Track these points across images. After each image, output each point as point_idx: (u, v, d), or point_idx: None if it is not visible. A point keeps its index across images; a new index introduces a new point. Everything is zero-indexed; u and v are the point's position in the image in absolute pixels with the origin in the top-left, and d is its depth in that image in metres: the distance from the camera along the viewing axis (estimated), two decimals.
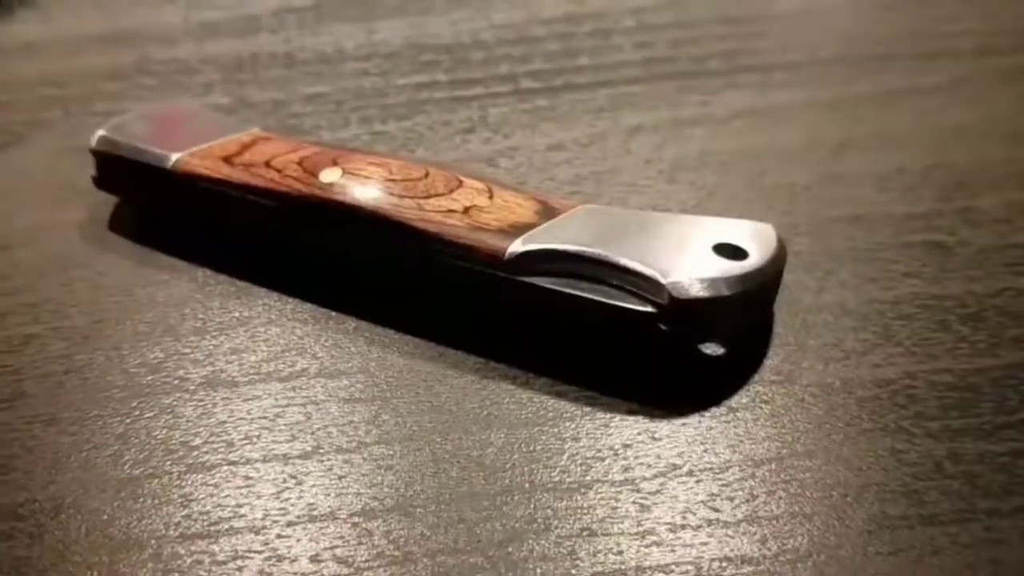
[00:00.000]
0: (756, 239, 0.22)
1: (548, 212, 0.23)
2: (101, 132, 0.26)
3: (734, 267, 0.22)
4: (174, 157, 0.25)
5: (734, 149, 0.29)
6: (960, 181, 0.28)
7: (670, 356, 0.23)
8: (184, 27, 0.35)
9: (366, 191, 0.23)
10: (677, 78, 0.32)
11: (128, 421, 0.22)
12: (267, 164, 0.24)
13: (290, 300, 0.24)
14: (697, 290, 0.21)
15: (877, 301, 0.24)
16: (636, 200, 0.27)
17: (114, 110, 0.31)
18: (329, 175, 0.24)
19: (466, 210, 0.23)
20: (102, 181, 0.26)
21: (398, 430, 0.21)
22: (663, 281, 0.21)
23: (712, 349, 0.23)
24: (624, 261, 0.22)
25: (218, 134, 0.26)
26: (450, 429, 0.21)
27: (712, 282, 0.21)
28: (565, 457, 0.21)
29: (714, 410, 0.22)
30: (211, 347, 0.23)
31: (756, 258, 0.22)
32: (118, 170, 0.26)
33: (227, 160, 0.25)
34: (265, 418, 0.22)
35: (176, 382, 0.23)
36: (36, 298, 0.25)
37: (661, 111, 0.31)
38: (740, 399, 0.22)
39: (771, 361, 0.23)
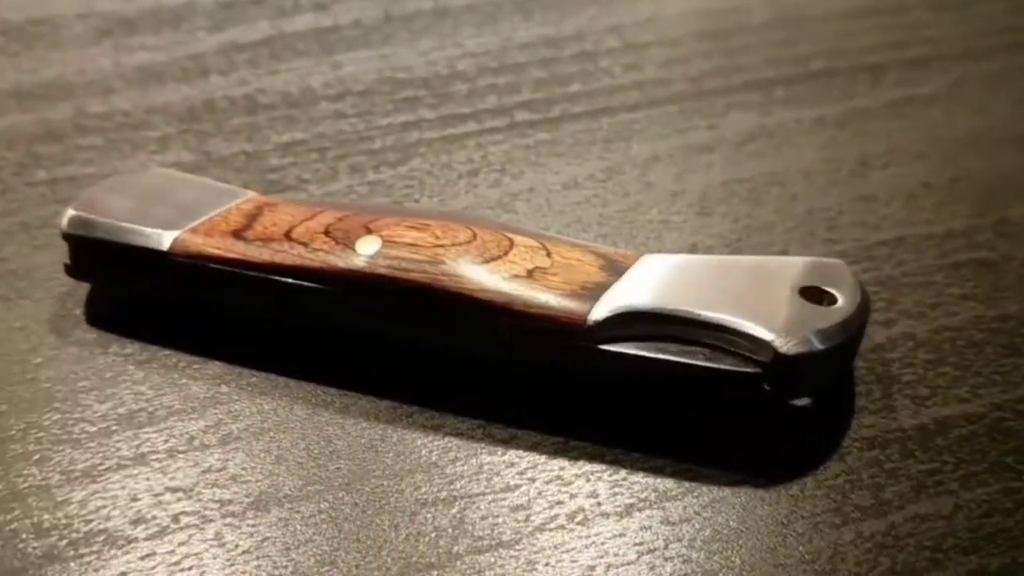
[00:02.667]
0: (835, 279, 0.21)
1: (611, 266, 0.21)
2: (72, 212, 0.22)
3: (831, 314, 0.21)
4: (171, 237, 0.22)
5: (757, 175, 0.28)
6: (987, 192, 0.28)
7: (757, 414, 0.21)
8: (118, 72, 0.31)
9: (416, 262, 0.21)
10: (676, 101, 0.31)
11: None
12: (288, 237, 0.22)
13: (358, 395, 0.22)
14: (803, 345, 0.20)
15: (945, 329, 0.24)
16: (674, 238, 0.26)
17: (58, 178, 0.27)
18: (367, 246, 0.21)
19: (530, 273, 0.21)
20: (77, 268, 0.23)
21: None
22: (768, 339, 0.20)
23: (800, 400, 0.22)
24: (721, 319, 0.20)
25: (211, 203, 0.23)
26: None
27: (817, 334, 0.20)
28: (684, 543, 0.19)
29: (814, 474, 0.20)
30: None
31: (846, 302, 0.21)
32: (98, 255, 0.22)
33: (237, 235, 0.22)
34: None
35: None
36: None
37: (671, 139, 0.30)
38: (840, 457, 0.21)
39: (861, 403, 0.22)
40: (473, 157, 0.29)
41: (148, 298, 0.23)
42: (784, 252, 0.26)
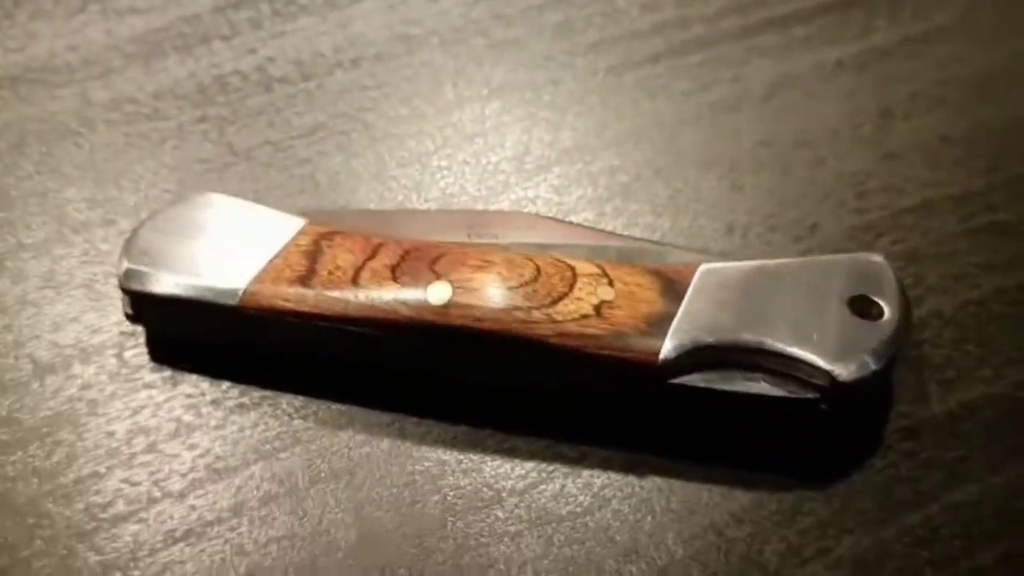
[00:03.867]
0: (880, 285, 0.22)
1: (670, 288, 0.22)
2: (127, 264, 0.22)
3: (881, 329, 0.22)
4: (239, 290, 0.22)
5: (782, 135, 0.28)
6: (1002, 146, 0.29)
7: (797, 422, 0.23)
8: (113, 44, 0.29)
9: (488, 310, 0.21)
10: (698, 49, 0.30)
11: None
12: (355, 282, 0.22)
13: (431, 423, 0.23)
14: (859, 370, 0.21)
15: (969, 303, 0.25)
16: (715, 223, 0.26)
17: (89, 199, 0.26)
18: (438, 293, 0.21)
19: (597, 310, 0.22)
20: (138, 317, 0.23)
21: None
22: (826, 367, 0.21)
23: None
24: (782, 348, 0.21)
25: (267, 238, 0.23)
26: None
27: (871, 354, 0.21)
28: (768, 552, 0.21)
29: (860, 471, 0.22)
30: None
31: (893, 312, 0.22)
32: (161, 308, 0.22)
33: (304, 283, 0.22)
34: None
35: None
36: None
37: (694, 96, 0.29)
38: (883, 451, 0.23)
39: (897, 391, 0.23)
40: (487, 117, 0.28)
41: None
42: (818, 226, 0.27)
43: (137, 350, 0.24)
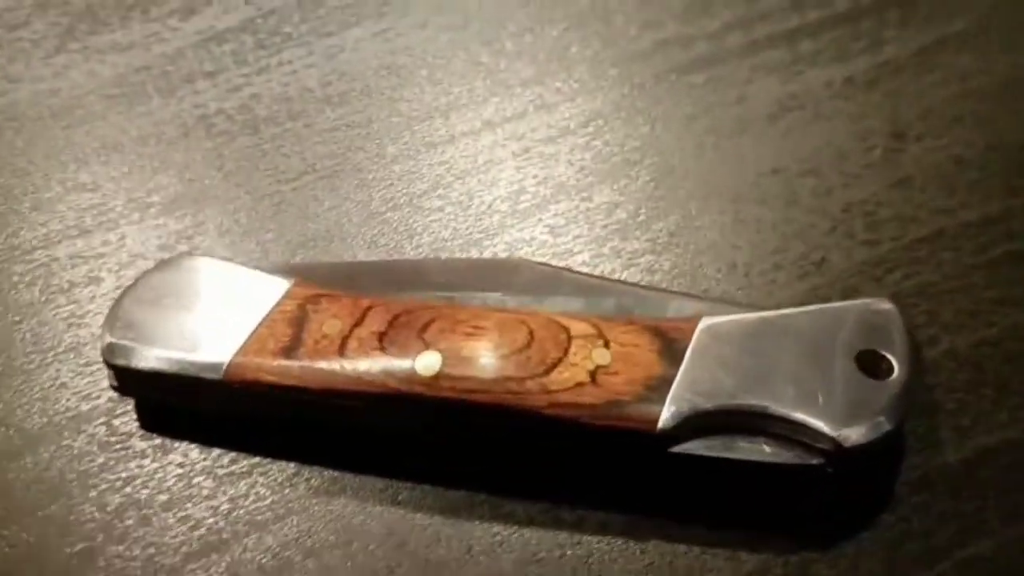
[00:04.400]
0: (888, 336, 0.22)
1: (668, 346, 0.21)
2: (109, 339, 0.21)
3: (890, 388, 0.21)
4: (223, 363, 0.21)
5: (789, 161, 0.27)
6: (1021, 167, 0.27)
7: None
8: (95, 84, 0.28)
9: (480, 381, 0.21)
10: (701, 68, 0.29)
11: None
12: (342, 351, 0.21)
13: (425, 488, 0.22)
14: (867, 433, 0.20)
15: (985, 342, 0.24)
16: (712, 255, 0.25)
17: (83, 280, 0.25)
18: (427, 363, 0.21)
19: (592, 376, 0.21)
20: (124, 389, 0.22)
21: None
22: (832, 434, 0.20)
23: None
24: (787, 413, 0.20)
25: (251, 303, 0.22)
26: None
27: (879, 416, 0.20)
28: None
29: (870, 529, 0.22)
30: None
31: (902, 367, 0.21)
32: (145, 381, 0.22)
33: (289, 353, 0.21)
34: None
35: None
36: None
37: (697, 120, 0.28)
38: (892, 506, 0.22)
39: (908, 441, 0.23)
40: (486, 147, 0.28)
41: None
42: (825, 261, 0.26)
43: (127, 418, 0.23)
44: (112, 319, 0.22)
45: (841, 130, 0.28)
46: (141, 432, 0.23)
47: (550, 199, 0.27)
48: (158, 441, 0.23)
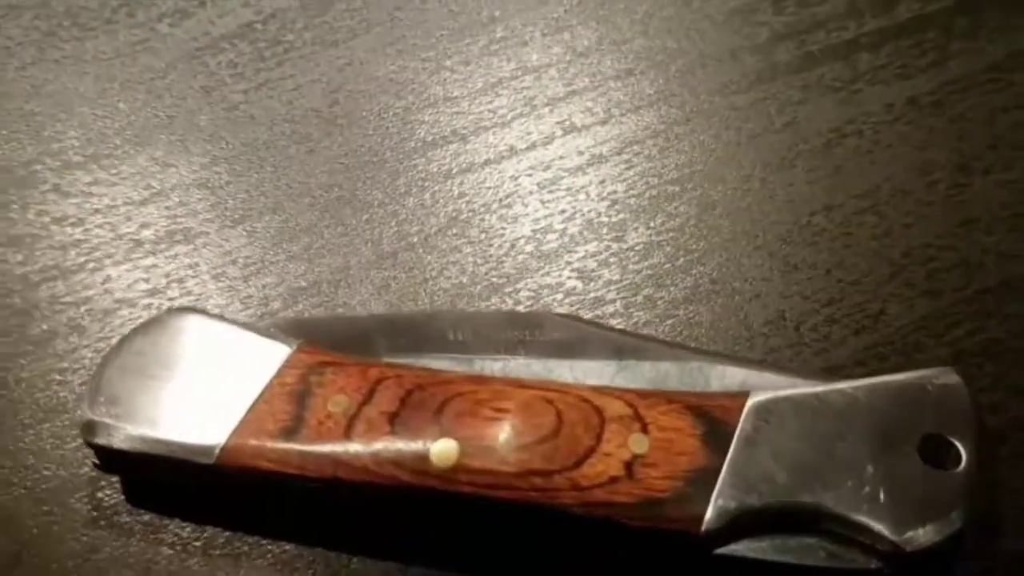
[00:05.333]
0: (953, 418, 0.19)
1: (713, 430, 0.19)
2: (89, 416, 0.19)
3: (957, 481, 0.19)
4: (215, 446, 0.19)
5: (844, 196, 0.24)
6: None
7: None
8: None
9: (502, 475, 0.18)
10: (747, 87, 0.26)
11: None
12: (348, 434, 0.19)
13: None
14: (931, 535, 0.18)
15: None
16: (765, 311, 0.23)
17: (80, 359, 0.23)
18: (443, 452, 0.19)
19: (628, 469, 0.19)
20: (108, 467, 0.20)
21: None
22: (895, 538, 0.18)
23: None
24: (843, 512, 0.18)
25: (248, 372, 0.20)
26: None
27: (947, 513, 0.18)
28: None
29: None
30: None
31: (970, 456, 0.19)
32: (130, 461, 0.20)
33: (289, 435, 0.19)
34: None
35: None
36: None
37: (741, 148, 0.25)
38: None
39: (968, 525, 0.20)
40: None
41: None
42: (883, 314, 0.23)
43: (112, 490, 0.21)
44: (92, 392, 0.20)
45: (902, 161, 0.25)
46: (128, 507, 0.21)
47: (579, 239, 0.24)
48: (147, 517, 0.21)
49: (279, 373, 0.20)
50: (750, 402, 0.20)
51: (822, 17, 0.28)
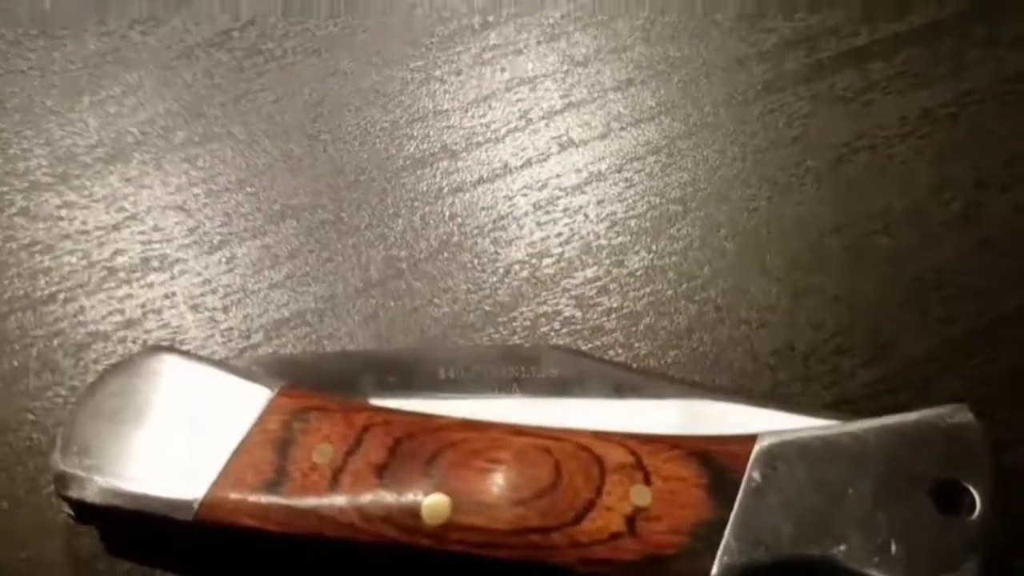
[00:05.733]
0: (967, 460, 0.18)
1: (719, 479, 0.18)
2: (61, 468, 0.18)
3: (972, 529, 0.18)
4: (195, 502, 0.18)
5: (855, 216, 0.23)
6: None
7: None
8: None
9: (496, 533, 0.17)
10: (754, 96, 0.25)
11: None
12: (333, 487, 0.18)
13: None
14: None
15: None
16: (772, 341, 0.22)
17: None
18: (434, 508, 0.18)
19: (630, 523, 0.18)
20: (83, 519, 0.19)
21: None
22: None
23: None
24: (855, 567, 0.17)
25: (228, 418, 0.19)
26: None
27: (961, 564, 0.17)
28: None
29: None
30: None
31: (985, 502, 0.18)
32: (106, 514, 0.19)
33: (272, 489, 0.18)
34: None
35: None
36: None
37: (747, 163, 0.24)
38: None
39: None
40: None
41: None
42: (895, 345, 0.23)
43: (89, 538, 0.20)
44: (65, 441, 0.19)
45: (916, 179, 0.24)
46: (107, 556, 0.20)
47: (576, 263, 0.23)
48: (126, 566, 0.20)
49: (260, 419, 0.19)
50: (757, 447, 0.19)
51: (832, 23, 0.26)
